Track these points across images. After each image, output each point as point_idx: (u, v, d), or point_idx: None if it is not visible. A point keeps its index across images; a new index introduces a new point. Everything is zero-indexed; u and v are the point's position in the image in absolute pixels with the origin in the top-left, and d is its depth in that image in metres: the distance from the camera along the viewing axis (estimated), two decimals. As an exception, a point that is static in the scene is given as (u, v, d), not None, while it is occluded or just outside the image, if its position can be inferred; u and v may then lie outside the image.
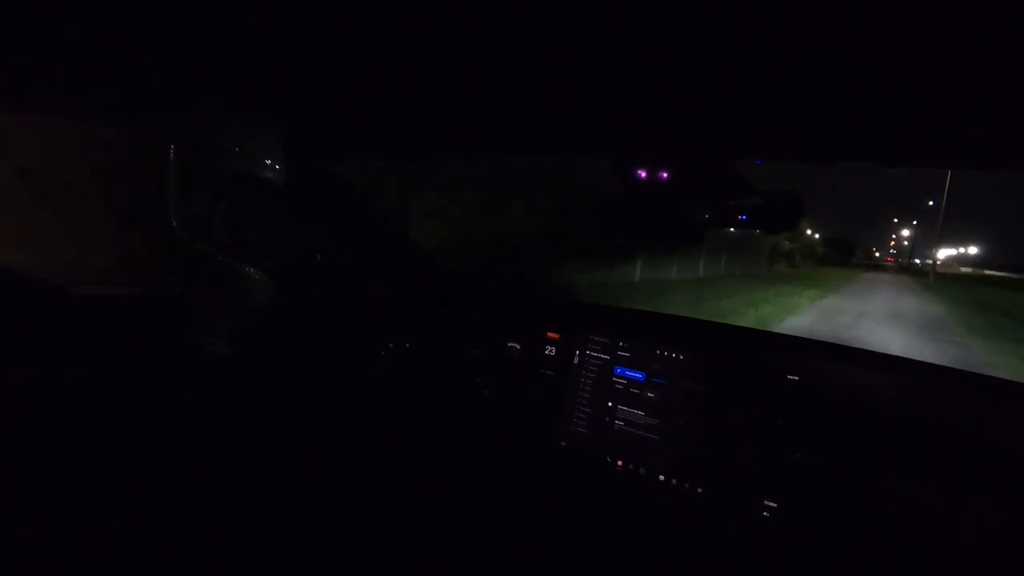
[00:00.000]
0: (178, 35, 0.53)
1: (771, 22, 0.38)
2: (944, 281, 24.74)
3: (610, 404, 1.09)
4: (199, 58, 0.58)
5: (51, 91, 0.49)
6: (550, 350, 1.27)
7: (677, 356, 1.04)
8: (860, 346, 1.06)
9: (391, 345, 1.08)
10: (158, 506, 0.45)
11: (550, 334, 1.25)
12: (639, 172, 0.75)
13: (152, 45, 0.54)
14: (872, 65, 0.43)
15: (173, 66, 0.57)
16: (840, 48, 0.41)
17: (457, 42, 0.49)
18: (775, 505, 0.89)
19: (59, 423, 0.43)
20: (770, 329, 1.50)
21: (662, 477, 1.01)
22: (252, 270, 0.63)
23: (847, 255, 56.11)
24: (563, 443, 1.13)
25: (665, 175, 0.74)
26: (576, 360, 1.14)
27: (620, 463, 1.06)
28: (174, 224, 0.55)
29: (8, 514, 0.39)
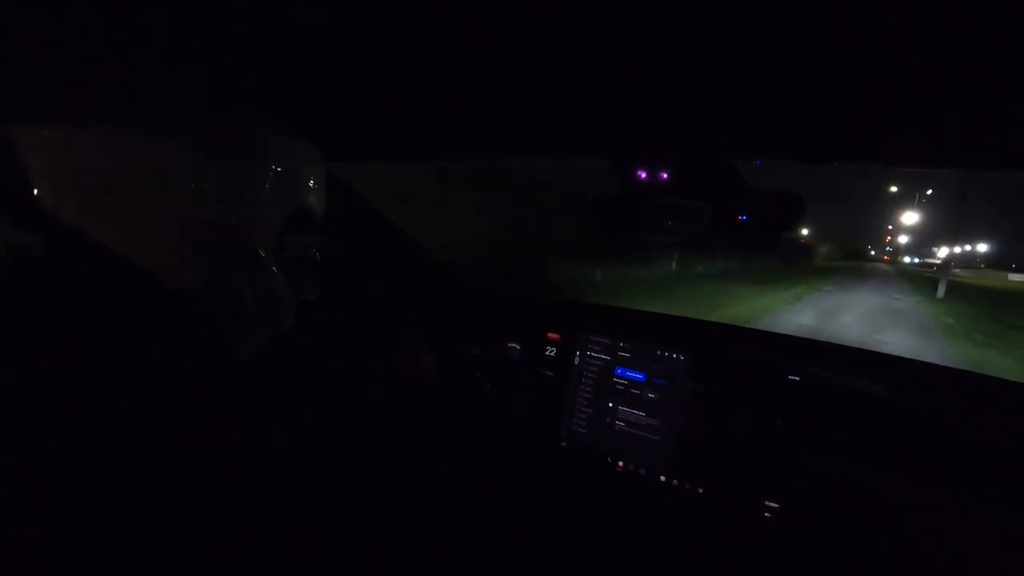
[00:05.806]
0: (179, 35, 0.54)
1: (771, 21, 0.38)
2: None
3: (611, 405, 1.09)
4: (203, 58, 0.58)
5: (96, 111, 0.49)
6: (550, 350, 1.27)
7: (677, 357, 1.03)
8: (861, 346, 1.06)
9: (388, 348, 1.09)
10: (156, 507, 0.45)
11: (550, 334, 1.25)
12: (639, 172, 0.75)
13: (155, 44, 0.54)
14: (872, 65, 0.43)
15: (180, 67, 0.57)
16: (840, 48, 0.41)
17: (458, 42, 0.49)
18: (775, 505, 0.89)
19: (73, 422, 0.43)
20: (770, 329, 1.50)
21: (663, 478, 1.01)
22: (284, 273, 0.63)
23: (796, 254, 31.33)
24: (564, 444, 1.13)
25: (665, 175, 0.74)
26: (576, 361, 1.14)
27: (621, 464, 1.06)
28: (232, 225, 0.54)
29: (8, 514, 0.39)
